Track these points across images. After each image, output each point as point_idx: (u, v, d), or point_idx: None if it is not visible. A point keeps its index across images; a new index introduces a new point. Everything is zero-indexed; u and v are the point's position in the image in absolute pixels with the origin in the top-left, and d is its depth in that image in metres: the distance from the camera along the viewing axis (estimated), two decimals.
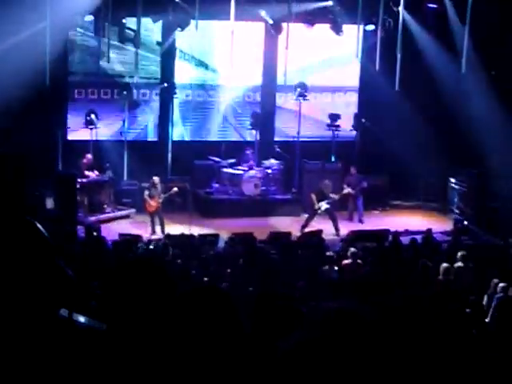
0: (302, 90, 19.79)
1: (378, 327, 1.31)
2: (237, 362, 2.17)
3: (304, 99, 19.89)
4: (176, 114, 19.85)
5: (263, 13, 19.09)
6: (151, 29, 19.11)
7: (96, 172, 18.04)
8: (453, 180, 19.38)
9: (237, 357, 2.17)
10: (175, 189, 17.30)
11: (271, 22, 19.19)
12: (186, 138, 20.16)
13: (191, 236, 15.32)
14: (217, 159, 19.25)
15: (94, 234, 15.25)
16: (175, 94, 19.39)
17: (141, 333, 2.57)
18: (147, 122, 19.87)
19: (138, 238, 15.09)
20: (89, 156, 18.02)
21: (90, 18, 18.18)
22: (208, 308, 2.23)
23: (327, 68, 20.62)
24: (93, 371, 2.37)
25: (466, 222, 17.76)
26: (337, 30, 19.67)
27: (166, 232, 16.33)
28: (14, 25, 16.47)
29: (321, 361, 1.31)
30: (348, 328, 1.31)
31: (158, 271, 2.75)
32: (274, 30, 19.36)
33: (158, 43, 19.42)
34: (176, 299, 2.35)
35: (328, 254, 13.47)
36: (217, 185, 19.26)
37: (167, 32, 19.21)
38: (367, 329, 1.29)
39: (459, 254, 12.66)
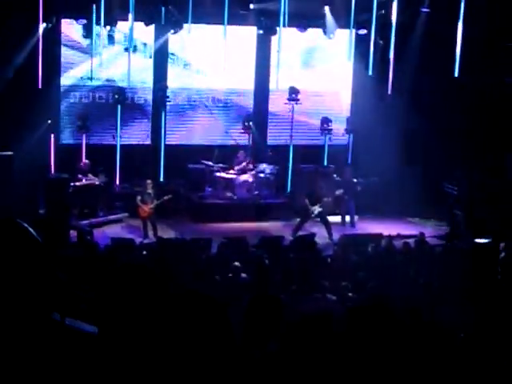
0: (294, 94, 19.78)
1: (350, 330, 1.30)
2: (226, 370, 2.15)
3: (296, 103, 19.89)
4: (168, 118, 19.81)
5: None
6: (144, 32, 19.05)
7: (89, 176, 18.00)
8: (446, 184, 19.36)
9: (226, 367, 2.15)
10: (168, 196, 17.25)
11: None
12: (179, 142, 20.09)
13: (184, 240, 15.28)
14: (209, 163, 19.21)
15: (87, 238, 15.20)
16: (168, 97, 19.35)
17: (131, 337, 2.56)
18: (140, 125, 19.82)
19: (130, 242, 15.04)
20: (86, 161, 18.09)
21: (83, 21, 18.15)
22: (202, 318, 2.19)
23: (319, 72, 20.64)
24: (85, 375, 2.36)
25: (460, 226, 17.75)
26: (329, 34, 19.70)
27: (158, 236, 16.30)
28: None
29: (295, 369, 1.30)
30: (317, 334, 1.29)
31: (148, 276, 2.74)
32: (266, 33, 19.39)
33: (150, 47, 19.40)
34: (168, 302, 2.32)
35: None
36: (210, 189, 19.21)
37: (160, 36, 19.18)
38: (339, 334, 1.28)
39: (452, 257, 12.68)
